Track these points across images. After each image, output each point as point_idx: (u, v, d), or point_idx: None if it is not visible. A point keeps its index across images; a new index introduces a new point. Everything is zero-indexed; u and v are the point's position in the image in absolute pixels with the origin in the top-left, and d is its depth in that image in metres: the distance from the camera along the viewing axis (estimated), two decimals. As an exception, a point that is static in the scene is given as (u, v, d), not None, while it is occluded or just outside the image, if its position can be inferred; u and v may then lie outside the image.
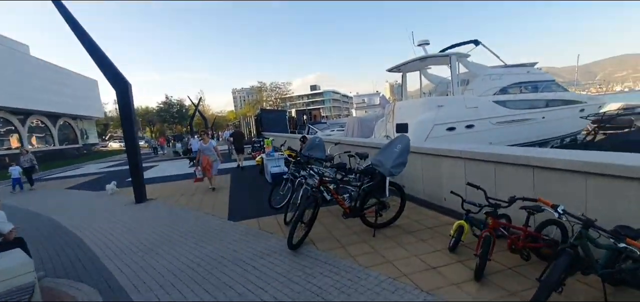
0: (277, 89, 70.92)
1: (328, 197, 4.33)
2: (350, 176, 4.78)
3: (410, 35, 14.89)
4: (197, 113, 39.55)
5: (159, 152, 29.12)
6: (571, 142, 14.79)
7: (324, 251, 3.92)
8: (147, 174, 13.92)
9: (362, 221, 4.40)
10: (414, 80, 16.73)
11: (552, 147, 14.34)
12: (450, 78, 16.10)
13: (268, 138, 9.18)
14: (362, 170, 4.56)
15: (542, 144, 14.09)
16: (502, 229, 3.04)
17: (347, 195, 4.90)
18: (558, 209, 2.33)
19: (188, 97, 24.02)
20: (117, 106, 60.72)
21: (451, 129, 12.51)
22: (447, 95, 14.61)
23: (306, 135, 9.06)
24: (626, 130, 14.15)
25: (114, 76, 7.81)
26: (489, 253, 2.85)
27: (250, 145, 21.10)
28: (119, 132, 72.95)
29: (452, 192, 3.67)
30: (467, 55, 13.57)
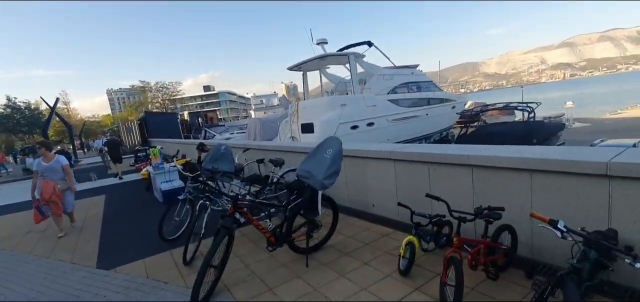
0: (165, 89, 63.22)
1: (242, 221, 3.35)
2: (267, 192, 3.90)
3: (309, 33, 14.68)
4: (57, 119, 31.54)
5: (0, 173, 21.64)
6: (452, 136, 17.05)
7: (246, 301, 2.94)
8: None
9: (290, 248, 3.57)
10: (313, 80, 16.67)
11: (433, 141, 16.23)
12: (348, 78, 16.69)
13: (155, 146, 7.41)
14: (287, 184, 3.73)
15: (426, 138, 15.80)
16: (465, 245, 2.64)
17: (265, 214, 4.00)
18: (559, 226, 1.98)
19: (41, 98, 18.07)
20: None
21: (354, 127, 12.76)
22: (348, 94, 14.99)
23: (204, 142, 7.66)
24: (477, 124, 17.10)
25: None
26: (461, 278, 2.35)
27: (133, 156, 17.68)
28: None
29: (400, 204, 3.16)
30: (363, 56, 14.11)
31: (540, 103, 14.69)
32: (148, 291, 3.37)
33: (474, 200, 3.34)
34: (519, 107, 14.39)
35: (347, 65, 14.96)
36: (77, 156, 27.12)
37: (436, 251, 3.09)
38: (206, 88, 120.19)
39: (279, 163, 5.25)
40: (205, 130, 31.66)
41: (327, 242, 3.89)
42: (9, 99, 42.75)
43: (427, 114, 15.10)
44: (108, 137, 26.05)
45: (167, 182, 6.95)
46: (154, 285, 3.47)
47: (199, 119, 40.00)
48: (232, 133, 29.52)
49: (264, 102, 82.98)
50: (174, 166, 7.31)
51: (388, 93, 14.03)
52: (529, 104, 13.83)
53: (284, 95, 26.29)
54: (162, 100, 62.80)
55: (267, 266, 3.57)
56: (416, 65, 16.46)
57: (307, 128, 13.30)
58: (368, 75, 14.38)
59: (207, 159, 4.31)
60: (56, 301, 3.44)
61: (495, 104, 17.13)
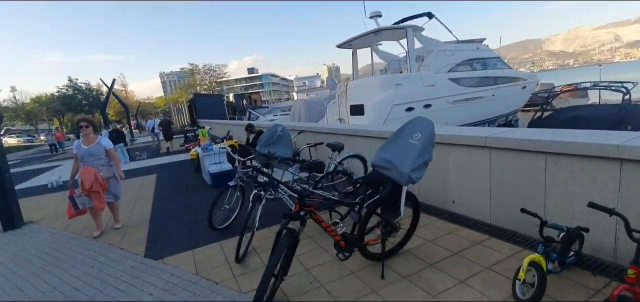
0: (212, 72, 65.47)
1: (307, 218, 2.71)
2: (337, 183, 3.24)
3: (362, 7, 13.59)
4: (115, 100, 33.91)
5: (58, 150, 23.48)
6: (515, 121, 15.16)
7: (312, 319, 2.34)
8: (38, 181, 10.64)
9: (362, 253, 2.89)
10: (362, 59, 15.63)
11: (498, 125, 14.51)
12: (402, 55, 15.39)
13: (204, 127, 7.11)
14: (364, 178, 3.03)
15: (490, 122, 14.14)
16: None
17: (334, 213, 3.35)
18: None
19: (101, 80, 19.45)
20: (13, 93, 49.19)
21: (409, 109, 11.65)
22: (402, 72, 13.79)
23: (253, 123, 7.21)
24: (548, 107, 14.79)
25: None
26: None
27: (183, 136, 18.20)
28: (18, 125, 60.88)
29: (524, 211, 2.32)
30: (422, 29, 12.77)
31: (636, 83, 12.33)
32: (198, 292, 2.91)
33: (619, 206, 2.39)
34: (611, 87, 12.18)
35: (403, 41, 13.73)
36: (133, 135, 28.92)
37: (562, 273, 2.25)
38: (250, 70, 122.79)
39: (338, 148, 4.56)
40: (250, 112, 32.06)
41: (403, 247, 3.16)
42: (70, 80, 46.89)
43: (493, 95, 13.45)
44: (160, 118, 27.43)
45: (216, 163, 6.62)
46: (203, 285, 3.01)
47: (244, 100, 40.72)
48: (276, 115, 29.53)
49: (306, 84, 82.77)
50: (223, 147, 6.97)
51: (449, 71, 12.62)
52: (623, 84, 11.63)
53: (330, 76, 25.38)
54: (209, 82, 65.21)
55: (332, 272, 2.93)
56: (482, 39, 14.66)
57: (357, 110, 12.46)
58: (426, 52, 13.03)
59: (262, 142, 3.74)
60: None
61: (578, 83, 14.79)
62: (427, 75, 11.93)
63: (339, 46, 14.21)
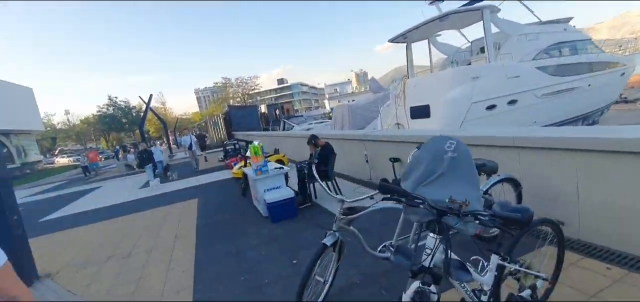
0: (244, 84, 65.87)
1: None
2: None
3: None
4: (155, 116, 34.22)
5: (90, 172, 20.74)
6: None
7: None
8: (70, 209, 9.66)
9: None
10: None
11: (593, 122, 11.92)
12: (465, 46, 13.26)
13: (253, 141, 5.55)
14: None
15: (584, 119, 11.59)
16: None
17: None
18: None
19: (140, 97, 19.30)
20: (67, 116, 52.04)
21: (491, 107, 9.54)
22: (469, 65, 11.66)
23: (317, 136, 5.56)
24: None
25: None
26: None
27: (222, 150, 17.14)
28: (70, 145, 64.63)
29: None
30: (498, 10, 10.63)
31: None
32: None
33: None
34: None
35: (465, 30, 11.74)
36: (172, 150, 28.71)
37: None
38: (280, 81, 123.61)
39: (490, 170, 2.72)
40: (284, 122, 30.98)
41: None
42: (110, 99, 48.51)
43: (589, 85, 10.95)
44: (195, 133, 27.18)
45: (274, 189, 5.01)
46: None
47: (276, 110, 39.89)
48: (311, 124, 28.21)
49: (338, 90, 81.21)
50: (279, 168, 5.36)
51: (533, 58, 10.35)
52: None
53: (373, 77, 23.41)
54: (242, 94, 65.62)
55: None
56: (569, 19, 12.19)
57: (420, 112, 10.54)
58: (504, 37, 10.85)
59: (412, 175, 1.91)
60: None
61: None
62: (511, 65, 9.76)
63: (392, 40, 12.37)
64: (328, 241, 2.45)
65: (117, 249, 5.13)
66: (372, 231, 3.78)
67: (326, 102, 78.43)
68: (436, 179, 1.73)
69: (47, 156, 49.86)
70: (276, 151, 10.31)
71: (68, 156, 54.64)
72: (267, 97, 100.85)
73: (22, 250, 4.33)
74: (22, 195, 16.16)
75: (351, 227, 2.59)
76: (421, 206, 1.53)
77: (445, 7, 10.49)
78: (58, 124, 61.79)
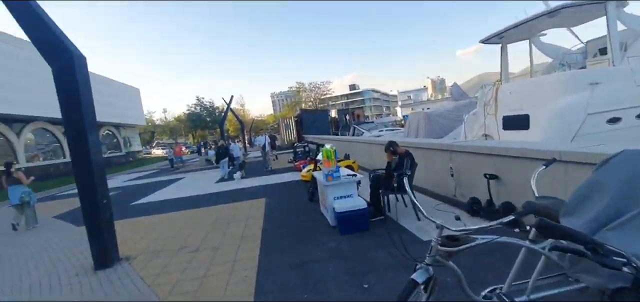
0: (317, 89, 67.39)
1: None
2: None
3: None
4: (233, 116, 36.93)
5: (175, 165, 22.32)
6: None
7: None
8: (156, 196, 10.60)
9: None
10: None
11: None
12: (576, 48, 11.13)
13: (325, 144, 5.14)
14: None
15: None
16: None
17: None
18: None
19: (222, 98, 21.03)
20: (165, 115, 60.35)
21: (614, 120, 7.65)
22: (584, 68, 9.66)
23: (396, 142, 4.92)
24: None
25: (51, 44, 4.26)
26: None
27: (292, 151, 17.41)
28: (165, 139, 74.13)
29: None
30: (625, 4, 8.60)
31: None
32: None
33: None
34: None
35: (569, 28, 9.80)
36: (247, 149, 30.51)
37: None
38: (351, 87, 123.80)
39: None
40: (354, 127, 30.50)
41: None
42: (198, 99, 54.11)
43: None
44: (267, 133, 28.45)
45: (344, 198, 4.54)
46: None
47: (347, 116, 39.63)
48: (381, 130, 27.22)
49: (412, 97, 77.80)
50: (352, 175, 4.86)
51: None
52: None
53: (456, 83, 21.43)
54: (314, 99, 67.19)
55: None
56: None
57: (516, 122, 9.03)
58: (632, 37, 8.74)
59: (586, 210, 1.24)
60: None
61: None
62: (644, 69, 7.72)
63: (485, 41, 10.95)
64: (419, 277, 1.86)
65: (188, 241, 5.21)
66: (473, 268, 3.02)
67: (398, 109, 75.63)
68: (633, 220, 1.02)
69: (147, 147, 57.76)
70: (347, 157, 9.87)
71: (162, 148, 62.49)
72: (338, 102, 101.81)
73: (108, 232, 4.59)
74: (123, 180, 18.62)
75: (450, 263, 1.95)
76: (623, 268, 0.86)
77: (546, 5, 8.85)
78: (157, 120, 71.59)
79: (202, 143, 40.39)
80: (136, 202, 9.69)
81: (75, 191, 4.70)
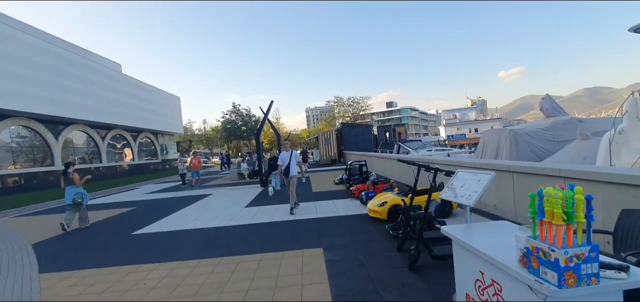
0: (355, 104, 64.67)
1: None
2: None
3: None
4: (268, 129, 35.07)
5: (185, 183, 18.26)
6: None
7: None
8: (169, 222, 7.93)
9: None
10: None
11: None
12: None
13: (573, 186, 2.06)
14: None
15: None
16: None
17: None
18: None
19: (260, 107, 19.55)
20: (204, 125, 60.30)
21: None
22: None
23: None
24: None
25: None
26: None
27: (345, 170, 14.51)
28: (201, 148, 74.92)
29: None
30: None
31: None
32: None
33: None
34: None
35: None
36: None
37: None
38: (389, 104, 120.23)
39: None
40: (399, 145, 27.05)
41: None
42: (234, 105, 52.74)
43: None
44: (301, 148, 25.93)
45: None
46: None
47: (387, 133, 36.39)
48: (430, 149, 23.68)
49: (457, 116, 72.48)
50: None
51: None
52: None
53: (548, 94, 17.58)
54: (351, 114, 64.47)
55: None
56: None
57: None
58: None
59: None
60: None
61: None
62: None
63: (635, 29, 7.57)
64: None
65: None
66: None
67: (441, 128, 70.59)
68: None
69: (184, 155, 57.77)
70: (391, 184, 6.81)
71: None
72: (375, 119, 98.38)
73: None
74: (148, 191, 16.70)
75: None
76: None
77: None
78: (196, 130, 72.71)
79: (224, 155, 38.52)
80: (139, 231, 7.18)
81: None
